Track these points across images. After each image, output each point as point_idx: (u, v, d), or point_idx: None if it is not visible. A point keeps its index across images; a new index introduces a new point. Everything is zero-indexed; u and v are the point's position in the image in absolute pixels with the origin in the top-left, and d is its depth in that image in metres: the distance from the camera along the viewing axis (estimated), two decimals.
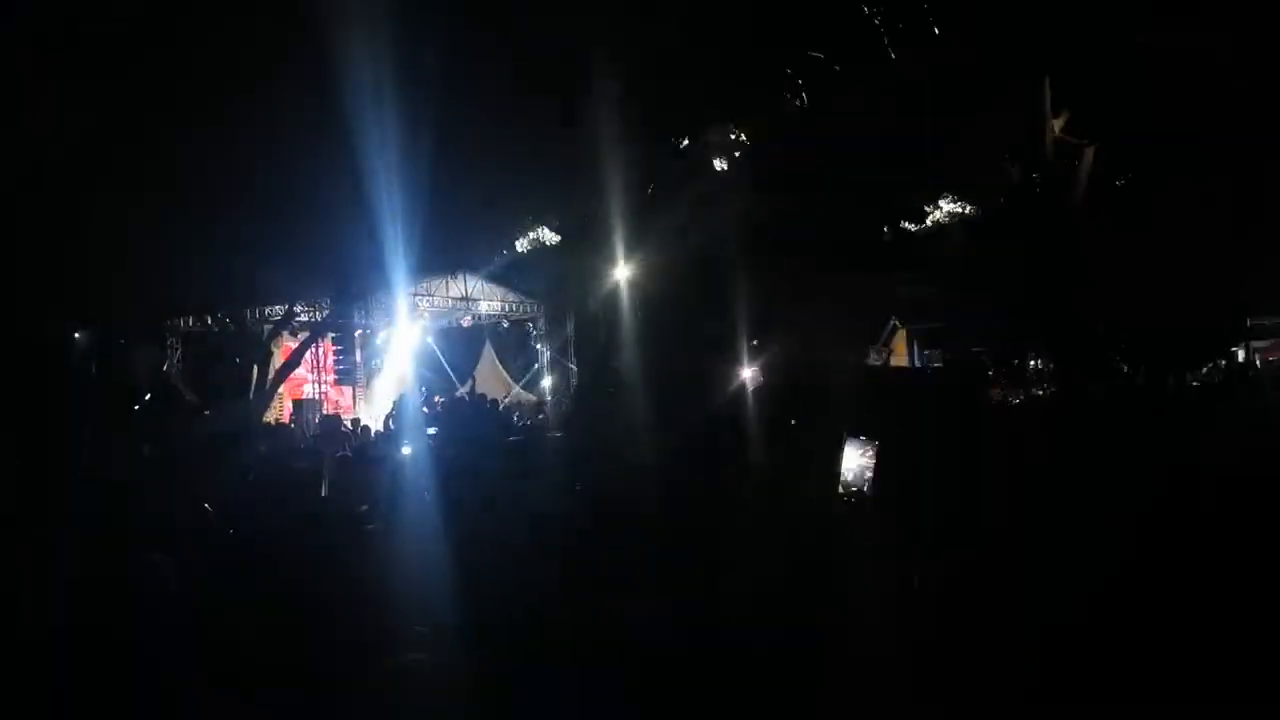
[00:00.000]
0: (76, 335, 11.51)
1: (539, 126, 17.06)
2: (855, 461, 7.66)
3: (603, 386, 8.48)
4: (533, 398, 30.12)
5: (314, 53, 11.35)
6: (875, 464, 7.41)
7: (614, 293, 22.71)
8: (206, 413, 12.98)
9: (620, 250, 21.62)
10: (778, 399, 8.47)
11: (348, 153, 12.23)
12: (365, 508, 6.43)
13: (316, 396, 24.79)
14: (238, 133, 11.80)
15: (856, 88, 18.94)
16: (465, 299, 27.05)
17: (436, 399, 19.23)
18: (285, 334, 21.01)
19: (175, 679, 3.17)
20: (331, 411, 23.22)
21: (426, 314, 27.54)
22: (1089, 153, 19.48)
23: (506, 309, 29.37)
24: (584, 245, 23.16)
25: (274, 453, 10.79)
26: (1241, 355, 33.95)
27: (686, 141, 20.45)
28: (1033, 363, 34.70)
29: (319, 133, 11.77)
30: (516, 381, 31.77)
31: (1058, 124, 19.11)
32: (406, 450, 10.20)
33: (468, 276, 25.12)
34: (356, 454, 10.94)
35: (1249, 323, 33.35)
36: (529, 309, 29.85)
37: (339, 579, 4.76)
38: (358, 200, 13.12)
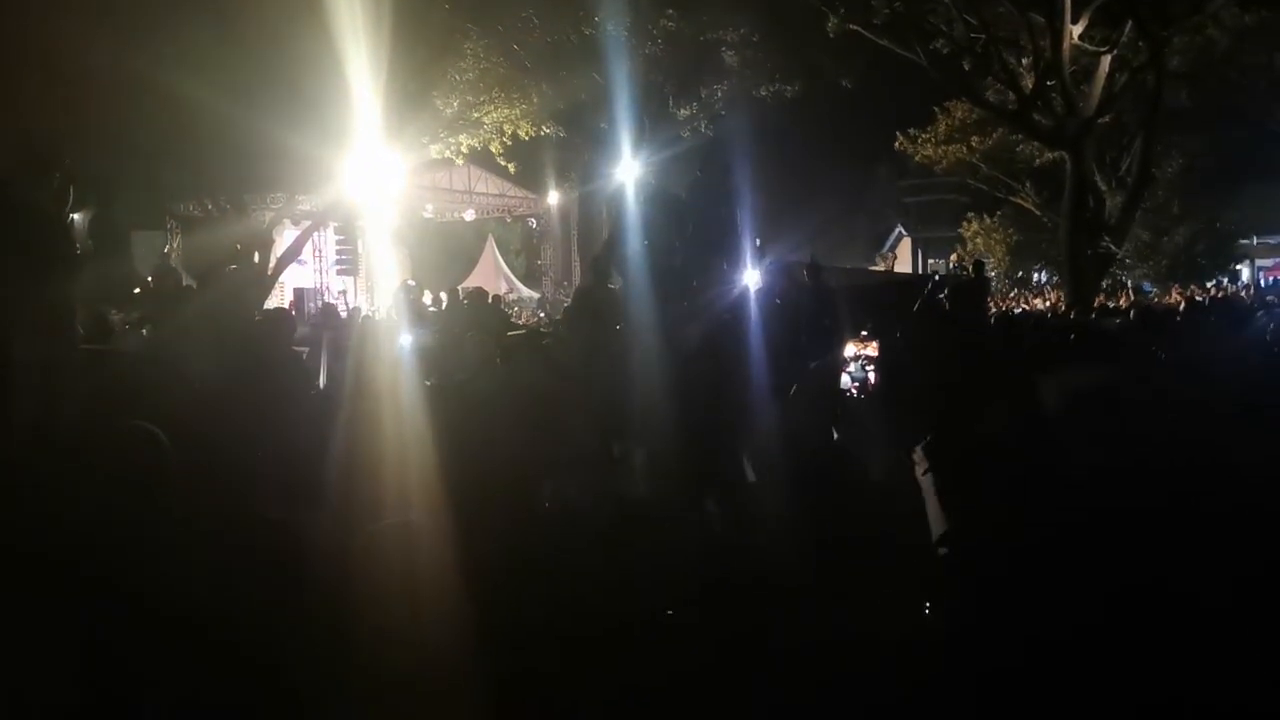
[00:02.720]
0: (77, 216, 11.37)
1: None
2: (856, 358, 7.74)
3: (603, 284, 8.32)
4: (535, 294, 30.10)
5: None
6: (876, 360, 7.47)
7: (620, 188, 22.49)
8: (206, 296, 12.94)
9: (629, 145, 21.33)
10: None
11: (341, 40, 11.98)
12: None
13: (318, 286, 24.75)
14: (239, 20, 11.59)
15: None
16: (468, 191, 26.76)
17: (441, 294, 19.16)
18: (287, 222, 20.85)
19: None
20: (333, 300, 23.21)
21: (429, 206, 27.31)
22: (1106, 60, 19.13)
23: (509, 203, 29.08)
24: (592, 139, 22.88)
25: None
26: (1246, 273, 33.99)
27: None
28: (1036, 275, 34.77)
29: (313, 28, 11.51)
30: (518, 278, 31.70)
31: (1076, 30, 18.69)
32: (407, 339, 10.16)
33: (471, 168, 24.80)
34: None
35: (1255, 240, 33.40)
36: (532, 204, 29.58)
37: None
38: (353, 88, 12.90)
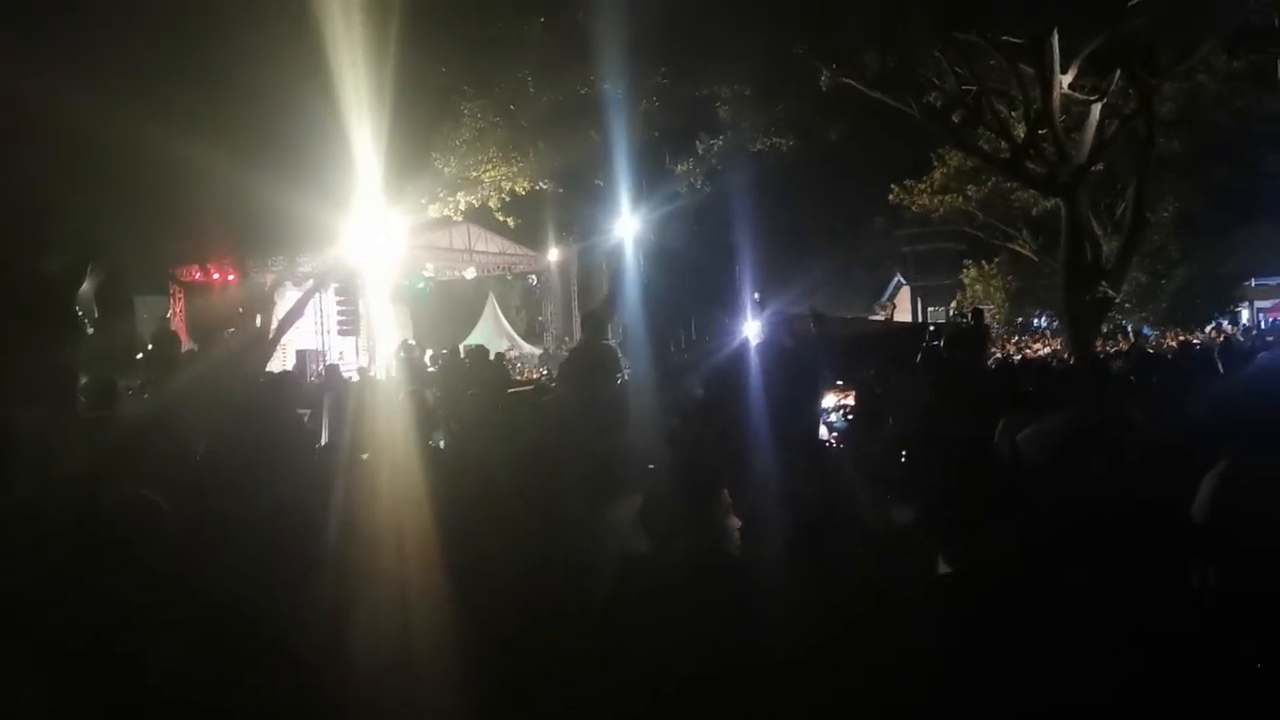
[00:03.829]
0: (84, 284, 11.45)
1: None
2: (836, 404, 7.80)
3: (599, 340, 8.35)
4: (537, 350, 30.17)
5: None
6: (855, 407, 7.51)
7: (619, 244, 22.64)
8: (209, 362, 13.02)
9: (627, 201, 21.51)
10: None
11: (340, 103, 12.17)
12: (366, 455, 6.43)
13: (320, 347, 24.82)
14: (239, 85, 11.76)
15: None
16: (468, 250, 26.92)
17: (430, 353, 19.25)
18: (288, 284, 20.98)
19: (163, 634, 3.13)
20: (335, 361, 23.27)
21: (430, 265, 27.47)
22: (1096, 109, 19.34)
23: (509, 261, 29.23)
24: (590, 196, 23.06)
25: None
26: (1246, 315, 34.08)
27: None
28: (1036, 321, 34.86)
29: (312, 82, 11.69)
30: (519, 334, 31.80)
31: (1066, 79, 18.93)
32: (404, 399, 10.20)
33: (470, 227, 24.97)
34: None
35: (1253, 282, 33.52)
36: (532, 261, 29.74)
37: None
38: (353, 150, 13.07)
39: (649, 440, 5.74)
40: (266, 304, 18.09)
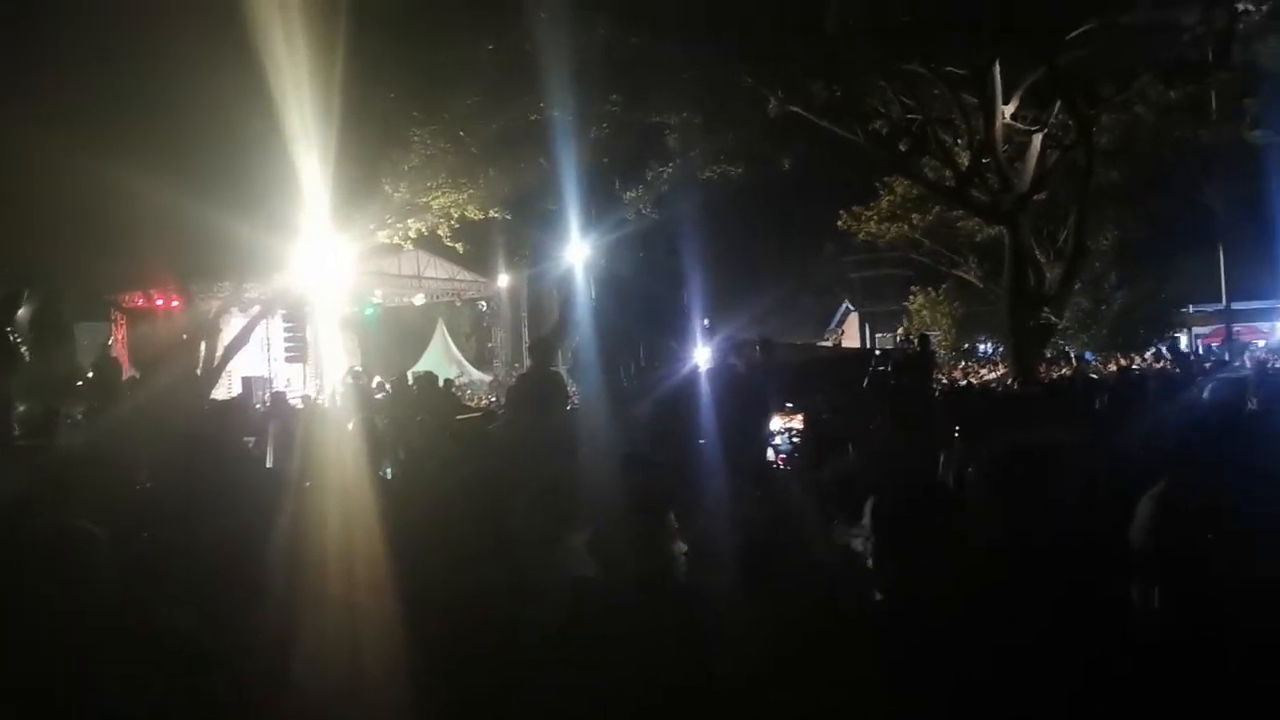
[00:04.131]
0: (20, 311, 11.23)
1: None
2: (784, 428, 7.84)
3: (547, 367, 8.32)
4: (487, 377, 30.01)
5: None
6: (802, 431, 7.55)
7: (570, 270, 22.64)
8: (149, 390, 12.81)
9: (577, 227, 21.54)
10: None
11: (287, 128, 12.09)
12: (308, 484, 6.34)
13: (266, 374, 24.53)
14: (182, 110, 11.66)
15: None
16: (417, 276, 26.80)
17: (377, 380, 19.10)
18: (234, 310, 20.72)
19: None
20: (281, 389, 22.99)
21: (378, 291, 27.30)
22: (1038, 139, 19.73)
23: (458, 287, 29.14)
24: (540, 222, 23.07)
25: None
26: (1185, 340, 34.81)
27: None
28: (982, 346, 35.35)
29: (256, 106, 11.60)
30: (469, 361, 31.64)
31: (1008, 110, 19.31)
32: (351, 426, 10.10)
33: (419, 253, 24.85)
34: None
35: (1191, 309, 34.29)
36: (482, 288, 29.66)
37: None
38: (300, 176, 12.99)
39: (598, 466, 5.72)
40: (211, 331, 17.87)
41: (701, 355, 12.25)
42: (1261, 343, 30.72)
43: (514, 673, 3.72)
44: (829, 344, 34.57)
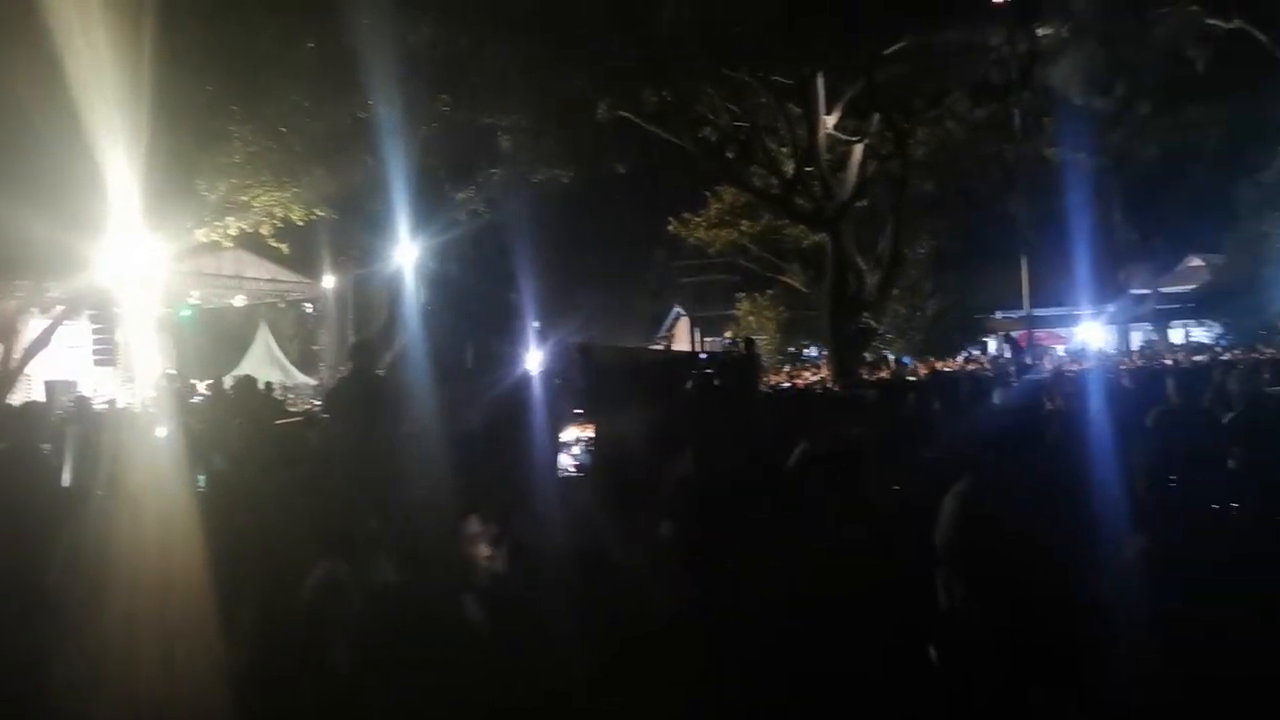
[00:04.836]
0: None
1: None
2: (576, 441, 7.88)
3: (369, 370, 8.12)
4: (312, 381, 29.13)
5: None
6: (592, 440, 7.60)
7: (398, 271, 22.24)
8: None
9: (405, 228, 21.16)
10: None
11: (93, 120, 11.46)
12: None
13: (73, 379, 23.13)
14: None
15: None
16: (237, 277, 25.78)
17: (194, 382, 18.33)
18: (35, 310, 19.51)
19: None
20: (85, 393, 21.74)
21: (195, 292, 26.16)
22: (858, 149, 20.53)
23: (282, 288, 28.16)
24: (368, 222, 22.58)
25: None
26: (993, 344, 36.72)
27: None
28: (807, 350, 36.45)
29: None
30: (292, 364, 30.67)
31: (830, 121, 20.03)
32: (165, 432, 9.66)
33: (240, 253, 23.91)
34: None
35: (999, 315, 36.18)
36: (307, 289, 28.76)
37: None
38: (107, 170, 12.33)
39: (412, 469, 5.64)
40: (8, 332, 16.80)
41: (534, 358, 12.21)
42: (1061, 349, 32.63)
43: (330, 683, 3.65)
44: (660, 347, 35.04)
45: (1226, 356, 20.29)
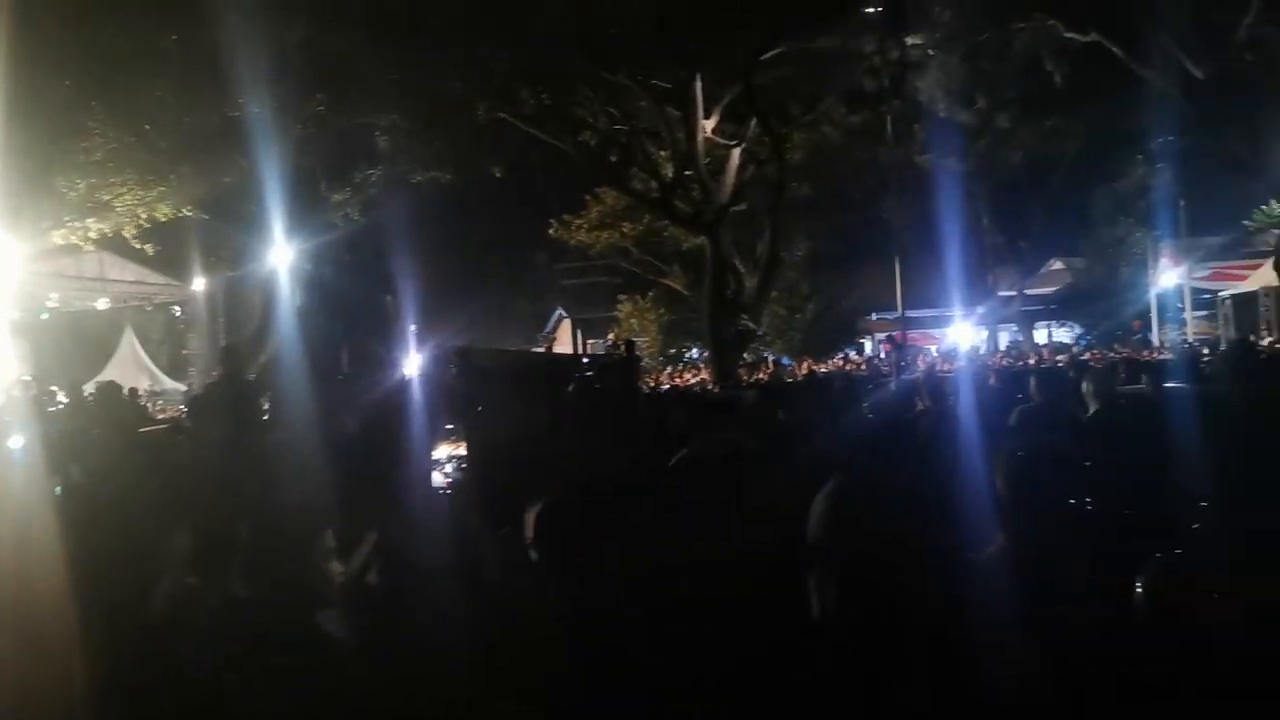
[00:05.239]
0: None
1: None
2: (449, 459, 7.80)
3: (238, 375, 7.91)
4: (182, 386, 28.18)
5: None
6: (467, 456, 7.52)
7: (272, 273, 21.68)
8: None
9: (280, 229, 20.63)
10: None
11: None
12: None
13: None
14: None
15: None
16: (100, 279, 24.79)
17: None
18: None
19: None
20: None
21: (54, 295, 25.05)
22: (736, 153, 20.83)
23: (149, 291, 27.16)
24: (241, 224, 21.97)
25: None
26: (869, 345, 37.67)
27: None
28: (689, 352, 36.81)
29: None
30: (161, 369, 29.63)
31: (709, 125, 20.27)
32: (18, 442, 9.22)
33: (103, 254, 22.99)
34: None
35: (874, 316, 37.14)
36: (176, 292, 27.80)
37: None
38: None
39: (273, 477, 5.51)
40: None
41: (412, 362, 12.03)
42: (934, 348, 33.62)
43: (191, 701, 3.55)
44: (543, 350, 34.91)
45: (1085, 356, 21.18)
